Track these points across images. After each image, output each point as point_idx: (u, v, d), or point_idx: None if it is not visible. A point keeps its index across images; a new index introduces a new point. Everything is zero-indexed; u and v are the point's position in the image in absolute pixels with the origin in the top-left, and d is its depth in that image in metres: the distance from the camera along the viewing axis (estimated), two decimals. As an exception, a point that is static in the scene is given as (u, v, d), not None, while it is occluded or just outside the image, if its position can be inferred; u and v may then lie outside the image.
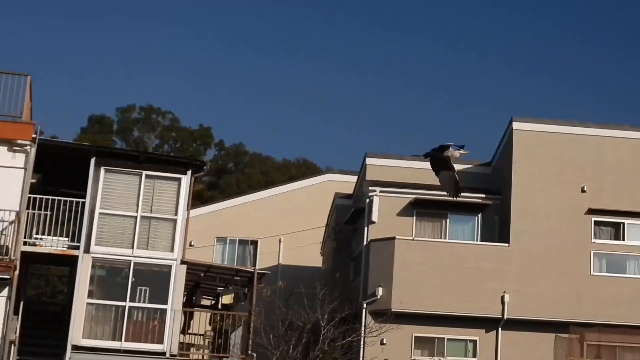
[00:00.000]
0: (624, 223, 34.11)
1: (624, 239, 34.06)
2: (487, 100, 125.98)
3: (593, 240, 33.89)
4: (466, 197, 34.98)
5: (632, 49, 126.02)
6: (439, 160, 15.56)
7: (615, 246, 34.05)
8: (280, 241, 44.16)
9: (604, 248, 33.98)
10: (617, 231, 34.20)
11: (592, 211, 33.88)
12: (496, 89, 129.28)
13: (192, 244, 39.99)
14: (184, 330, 29.40)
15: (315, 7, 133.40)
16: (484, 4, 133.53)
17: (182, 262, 27.56)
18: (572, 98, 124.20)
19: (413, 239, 33.76)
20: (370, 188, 34.68)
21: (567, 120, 34.81)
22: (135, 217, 27.40)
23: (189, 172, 28.07)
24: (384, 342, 32.03)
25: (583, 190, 33.92)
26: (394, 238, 33.32)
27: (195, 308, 30.72)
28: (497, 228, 35.07)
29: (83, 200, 27.10)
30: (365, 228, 34.57)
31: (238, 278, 30.44)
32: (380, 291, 32.77)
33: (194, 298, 31.15)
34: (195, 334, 30.93)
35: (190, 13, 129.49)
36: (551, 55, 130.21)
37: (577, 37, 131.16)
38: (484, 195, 35.23)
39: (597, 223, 34.09)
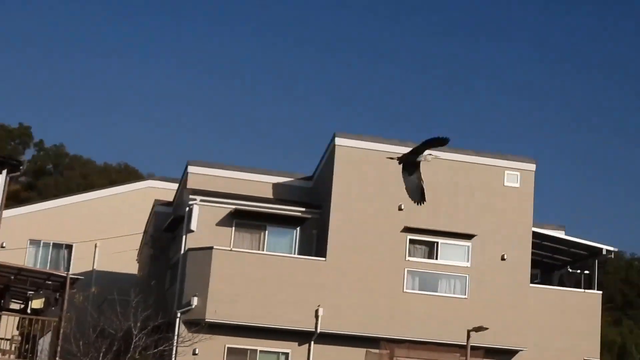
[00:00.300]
0: (437, 242, 34.87)
1: (437, 258, 34.82)
2: (313, 113, 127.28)
3: (407, 258, 34.54)
4: (285, 209, 35.19)
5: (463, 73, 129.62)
6: (409, 164, 15.60)
7: (429, 265, 34.79)
8: (96, 246, 43.38)
9: (417, 266, 34.66)
10: (431, 250, 34.94)
11: (407, 229, 34.52)
12: (322, 102, 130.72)
13: (4, 245, 38.85)
14: (-11, 334, 28.46)
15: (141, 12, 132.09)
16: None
17: (-8, 264, 26.67)
18: (397, 116, 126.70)
19: (231, 250, 33.64)
20: (191, 196, 34.39)
21: (387, 139, 35.29)
22: (-56, 216, 26.45)
23: (4, 172, 27.31)
24: (197, 352, 31.79)
25: (400, 209, 34.51)
26: (211, 248, 33.12)
27: (3, 312, 29.77)
28: (315, 242, 35.33)
29: None
30: (184, 236, 34.24)
31: (50, 282, 29.63)
32: (195, 301, 32.51)
33: (2, 301, 30.19)
34: (1, 339, 29.95)
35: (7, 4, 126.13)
36: (382, 73, 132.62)
37: (408, 57, 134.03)
38: (303, 209, 35.43)
39: (412, 241, 34.74)
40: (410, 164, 15.69)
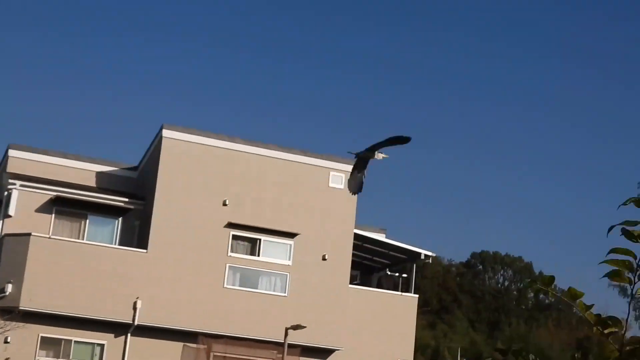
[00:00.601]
0: (260, 239, 35.00)
1: (259, 255, 34.94)
2: (140, 103, 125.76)
3: (229, 254, 34.52)
4: (108, 199, 34.70)
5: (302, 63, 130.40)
6: (362, 160, 15.92)
7: (250, 261, 34.86)
8: None
9: (239, 262, 34.70)
10: (254, 247, 35.03)
11: (231, 225, 34.52)
12: (150, 92, 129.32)
13: None
14: None
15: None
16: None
17: None
18: (229, 111, 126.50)
19: (50, 237, 32.93)
20: (10, 181, 33.51)
21: (216, 134, 35.25)
22: None
23: None
24: (8, 340, 31.00)
25: (225, 204, 34.48)
26: (29, 234, 32.35)
27: None
28: (137, 233, 34.95)
29: None
30: (1, 221, 33.37)
31: None
32: (9, 288, 31.67)
33: None
34: None
35: None
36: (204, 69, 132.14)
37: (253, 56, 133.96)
38: (126, 199, 35.02)
39: (235, 237, 34.76)
40: (363, 161, 16.24)
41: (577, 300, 3.23)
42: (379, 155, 16.17)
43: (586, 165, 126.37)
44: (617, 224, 3.09)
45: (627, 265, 3.14)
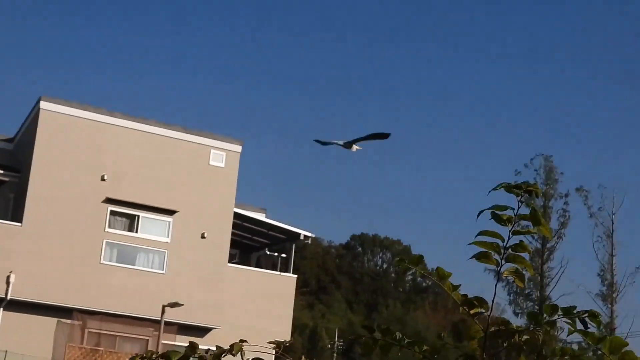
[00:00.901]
0: (139, 216, 34.65)
1: (137, 231, 34.59)
2: (17, 75, 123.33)
3: (107, 230, 34.08)
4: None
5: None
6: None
7: (128, 237, 34.49)
8: None
9: (117, 238, 34.29)
10: (132, 223, 34.66)
11: (109, 200, 34.07)
12: (27, 66, 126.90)
13: None
14: None
15: None
16: None
17: None
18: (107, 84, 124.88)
19: None
20: None
21: (95, 107, 34.67)
22: None
23: None
24: None
25: (103, 179, 34.00)
26: None
27: None
28: (12, 206, 34.24)
29: None
30: None
31: None
32: None
33: None
34: None
35: None
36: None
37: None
38: (1, 171, 34.27)
39: (113, 213, 34.32)
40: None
41: (445, 281, 3.24)
42: (354, 147, 17.92)
43: (465, 152, 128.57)
44: (487, 209, 3.10)
45: (494, 248, 3.15)
